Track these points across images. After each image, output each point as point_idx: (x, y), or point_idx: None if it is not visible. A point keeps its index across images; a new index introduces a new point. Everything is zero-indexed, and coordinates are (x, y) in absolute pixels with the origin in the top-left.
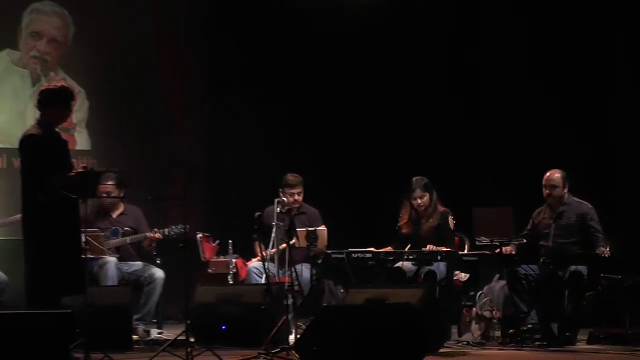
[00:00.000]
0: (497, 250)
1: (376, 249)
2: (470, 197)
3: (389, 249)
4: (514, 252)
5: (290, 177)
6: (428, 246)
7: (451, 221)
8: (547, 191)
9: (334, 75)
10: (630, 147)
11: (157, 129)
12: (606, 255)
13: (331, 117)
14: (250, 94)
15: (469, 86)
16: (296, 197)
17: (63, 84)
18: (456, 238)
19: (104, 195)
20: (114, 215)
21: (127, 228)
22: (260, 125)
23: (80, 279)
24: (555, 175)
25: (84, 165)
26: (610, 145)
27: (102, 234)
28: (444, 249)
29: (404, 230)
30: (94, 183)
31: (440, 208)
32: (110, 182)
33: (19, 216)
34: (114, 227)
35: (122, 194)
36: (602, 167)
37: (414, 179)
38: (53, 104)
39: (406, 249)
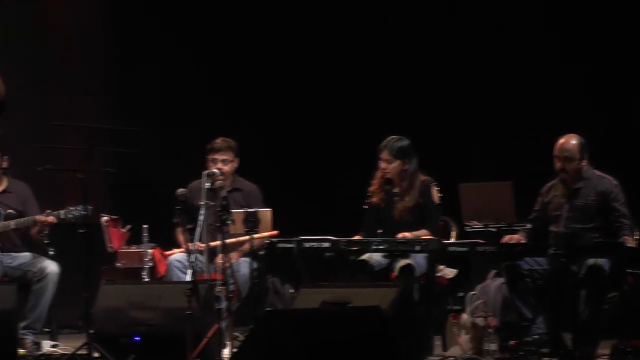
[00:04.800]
0: (505, 239)
1: (337, 237)
2: (457, 170)
3: (358, 237)
4: (522, 241)
5: (219, 140)
6: (400, 234)
7: (435, 193)
8: (560, 164)
9: (275, 21)
10: None
11: (47, 83)
12: (631, 246)
13: (273, 70)
14: (169, 41)
15: (461, 30)
16: (220, 165)
17: None
18: (440, 222)
19: None
20: None
21: (10, 210)
22: (185, 82)
23: None
24: (570, 142)
25: None
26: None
27: None
28: (424, 234)
29: (373, 199)
30: None
31: (421, 177)
32: None
33: None
34: None
35: (6, 164)
36: (626, 137)
37: (389, 137)
38: None
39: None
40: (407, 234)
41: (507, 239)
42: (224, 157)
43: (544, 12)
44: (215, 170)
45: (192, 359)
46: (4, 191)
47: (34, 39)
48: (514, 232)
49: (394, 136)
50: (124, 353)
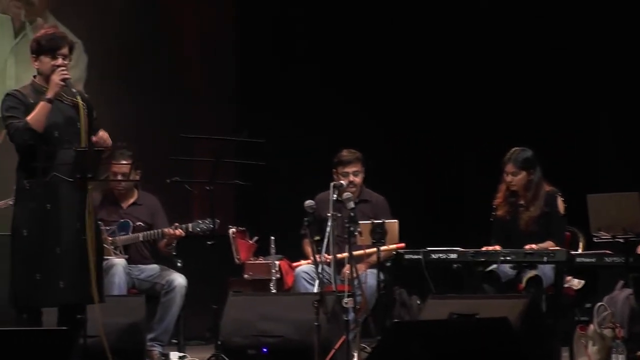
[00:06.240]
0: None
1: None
2: (584, 180)
3: (493, 248)
4: None
5: (345, 152)
6: (527, 246)
7: (561, 204)
8: None
9: (406, 32)
10: None
11: (175, 95)
12: None
13: (401, 81)
14: (295, 50)
15: (588, 35)
16: (351, 177)
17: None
18: (567, 233)
19: (119, 177)
20: (124, 205)
21: (139, 223)
22: (311, 93)
23: (76, 286)
24: None
25: None
26: None
27: (106, 228)
28: (551, 246)
29: (499, 212)
30: (95, 162)
31: (546, 187)
32: (125, 162)
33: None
34: (123, 220)
35: (138, 177)
36: None
37: (512, 149)
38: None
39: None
40: (533, 246)
41: None
42: (354, 169)
43: None
44: (342, 182)
45: None
46: (134, 203)
47: (163, 50)
48: None
49: (517, 148)
50: None
